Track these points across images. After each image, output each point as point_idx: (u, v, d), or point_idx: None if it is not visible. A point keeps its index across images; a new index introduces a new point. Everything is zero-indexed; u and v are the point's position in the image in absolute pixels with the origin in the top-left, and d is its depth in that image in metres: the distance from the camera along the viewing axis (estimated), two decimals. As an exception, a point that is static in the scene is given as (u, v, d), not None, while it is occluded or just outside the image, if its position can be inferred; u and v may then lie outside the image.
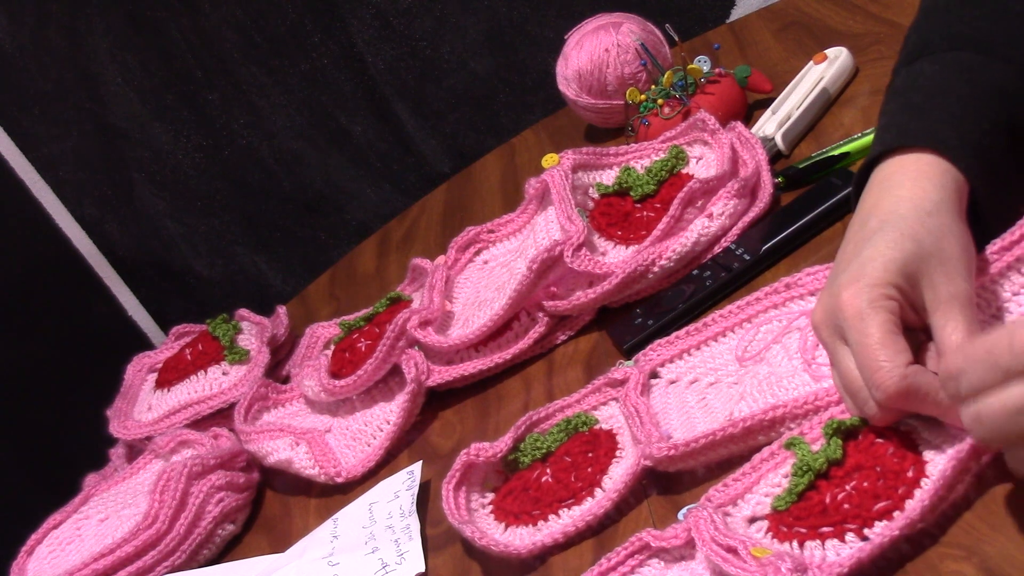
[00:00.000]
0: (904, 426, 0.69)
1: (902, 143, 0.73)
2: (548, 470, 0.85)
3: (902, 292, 0.67)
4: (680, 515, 0.73)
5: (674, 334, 0.89)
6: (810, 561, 0.65)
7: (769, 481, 0.72)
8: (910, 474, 0.66)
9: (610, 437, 0.86)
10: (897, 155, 0.73)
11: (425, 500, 0.94)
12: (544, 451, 0.86)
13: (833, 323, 0.69)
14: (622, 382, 0.88)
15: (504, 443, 0.87)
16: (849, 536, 0.65)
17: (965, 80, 0.75)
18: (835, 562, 0.64)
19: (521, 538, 0.82)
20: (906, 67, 0.80)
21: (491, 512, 0.85)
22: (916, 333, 0.68)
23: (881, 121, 0.78)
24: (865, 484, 0.67)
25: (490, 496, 0.87)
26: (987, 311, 0.71)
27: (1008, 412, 0.56)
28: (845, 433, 0.70)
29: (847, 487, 0.67)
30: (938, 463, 0.66)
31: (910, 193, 0.70)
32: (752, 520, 0.72)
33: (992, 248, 0.72)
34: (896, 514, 0.65)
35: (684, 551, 0.71)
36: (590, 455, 0.84)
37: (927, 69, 0.77)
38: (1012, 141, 0.73)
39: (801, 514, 0.68)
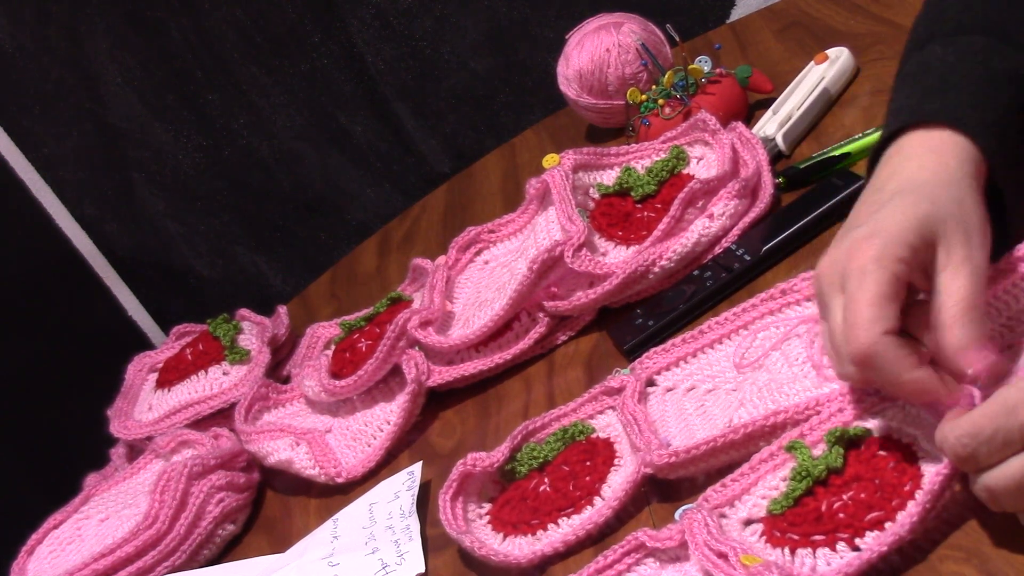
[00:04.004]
0: (906, 438, 0.69)
1: (919, 120, 0.72)
2: (546, 479, 0.85)
3: (916, 253, 0.66)
4: (677, 515, 0.73)
5: (670, 341, 0.89)
6: (799, 571, 0.65)
7: (767, 483, 0.72)
8: (907, 488, 0.66)
9: (608, 446, 0.85)
10: (913, 132, 0.73)
11: (425, 500, 0.94)
12: (541, 460, 0.86)
13: (837, 273, 0.68)
14: (619, 390, 0.87)
15: (501, 453, 0.86)
16: (840, 546, 0.66)
17: (979, 62, 0.74)
18: (823, 573, 0.64)
19: (520, 548, 0.81)
20: (917, 52, 0.79)
21: (488, 523, 0.85)
22: (922, 302, 0.68)
23: (893, 103, 0.77)
24: (862, 495, 0.67)
25: (487, 506, 0.86)
26: (1005, 315, 0.71)
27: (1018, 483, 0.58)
28: (848, 442, 0.70)
29: (844, 496, 0.67)
30: (929, 474, 0.66)
31: (930, 163, 0.70)
32: (748, 522, 0.71)
33: (1007, 260, 0.71)
34: (888, 525, 0.65)
35: (679, 552, 0.71)
36: (588, 464, 0.84)
37: (939, 52, 0.77)
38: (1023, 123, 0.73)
39: (796, 520, 0.68)
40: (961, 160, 0.70)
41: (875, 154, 0.75)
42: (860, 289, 0.65)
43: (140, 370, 1.28)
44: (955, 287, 0.65)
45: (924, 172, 0.70)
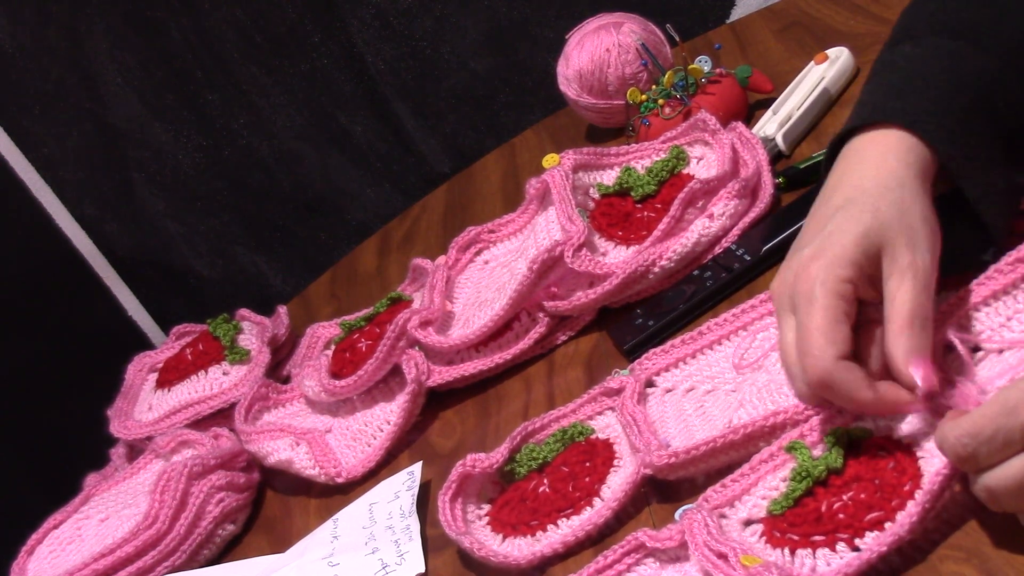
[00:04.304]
0: (906, 438, 0.69)
1: (875, 119, 0.74)
2: (545, 480, 0.85)
3: (861, 269, 0.68)
4: (677, 515, 0.73)
5: (669, 343, 0.89)
6: (799, 571, 0.65)
7: (767, 484, 0.72)
8: (907, 488, 0.66)
9: (607, 447, 0.85)
10: (869, 131, 0.74)
11: (425, 501, 0.94)
12: (540, 461, 0.86)
13: (787, 295, 0.70)
14: (618, 391, 0.87)
15: (500, 454, 0.86)
16: (840, 546, 0.65)
17: (944, 65, 0.75)
18: (823, 574, 0.64)
19: (519, 548, 0.81)
20: (889, 51, 0.80)
21: (487, 524, 0.85)
22: (873, 310, 0.69)
23: (859, 98, 0.79)
24: (862, 495, 0.67)
25: (486, 507, 0.86)
26: (1005, 315, 0.71)
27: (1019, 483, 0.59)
28: (848, 442, 0.70)
29: (844, 497, 0.67)
30: (929, 474, 0.66)
31: (875, 169, 0.71)
32: (748, 523, 0.71)
33: (1007, 260, 0.71)
34: (888, 525, 0.65)
35: (679, 552, 0.71)
36: (587, 464, 0.84)
37: (908, 52, 0.78)
38: (990, 127, 0.73)
39: (796, 520, 0.68)
40: (908, 163, 0.71)
41: (834, 147, 0.76)
42: (809, 316, 0.67)
43: (140, 370, 1.28)
44: (900, 297, 0.66)
45: (867, 180, 0.71)
